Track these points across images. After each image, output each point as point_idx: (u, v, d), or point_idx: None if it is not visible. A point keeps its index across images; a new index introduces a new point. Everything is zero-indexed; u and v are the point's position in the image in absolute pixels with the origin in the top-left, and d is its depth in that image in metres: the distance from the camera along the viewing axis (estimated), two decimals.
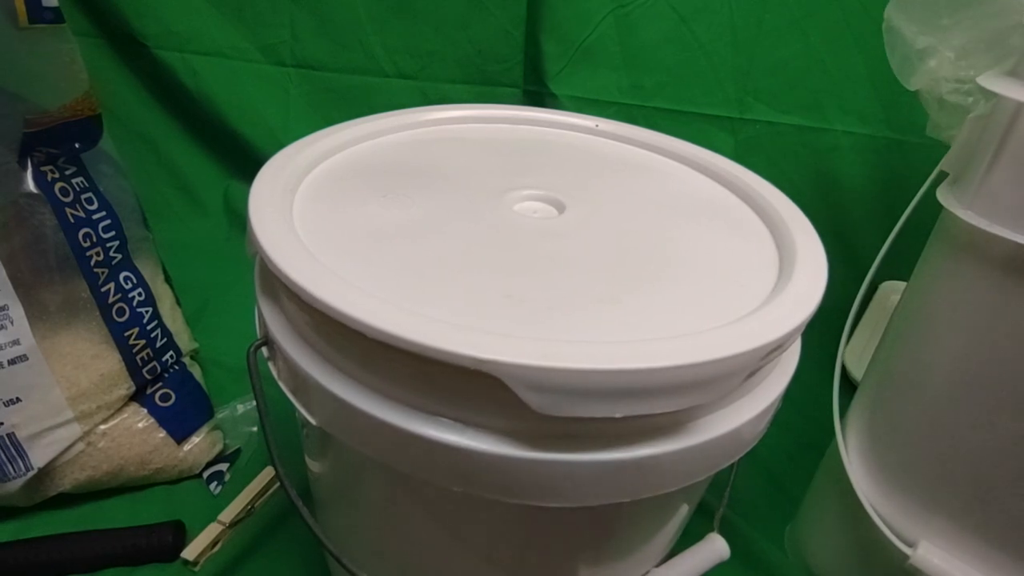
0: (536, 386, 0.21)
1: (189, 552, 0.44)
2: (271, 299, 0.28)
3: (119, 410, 0.47)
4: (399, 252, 0.27)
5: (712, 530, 0.35)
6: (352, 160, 0.35)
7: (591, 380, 0.21)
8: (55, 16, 0.40)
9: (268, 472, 0.50)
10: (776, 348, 0.24)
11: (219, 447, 0.52)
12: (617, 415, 0.21)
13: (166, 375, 0.50)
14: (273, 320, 0.27)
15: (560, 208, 0.33)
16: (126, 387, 0.47)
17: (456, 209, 0.31)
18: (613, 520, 0.28)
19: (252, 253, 0.27)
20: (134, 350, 0.47)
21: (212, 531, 0.45)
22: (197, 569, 0.44)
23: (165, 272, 0.52)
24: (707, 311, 0.25)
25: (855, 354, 0.64)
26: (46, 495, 0.46)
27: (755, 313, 0.24)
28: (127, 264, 0.47)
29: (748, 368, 0.23)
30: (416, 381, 0.23)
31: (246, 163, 0.81)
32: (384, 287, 0.25)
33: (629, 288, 0.26)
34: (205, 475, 0.50)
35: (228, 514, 0.46)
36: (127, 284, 0.47)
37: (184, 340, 0.52)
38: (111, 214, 0.45)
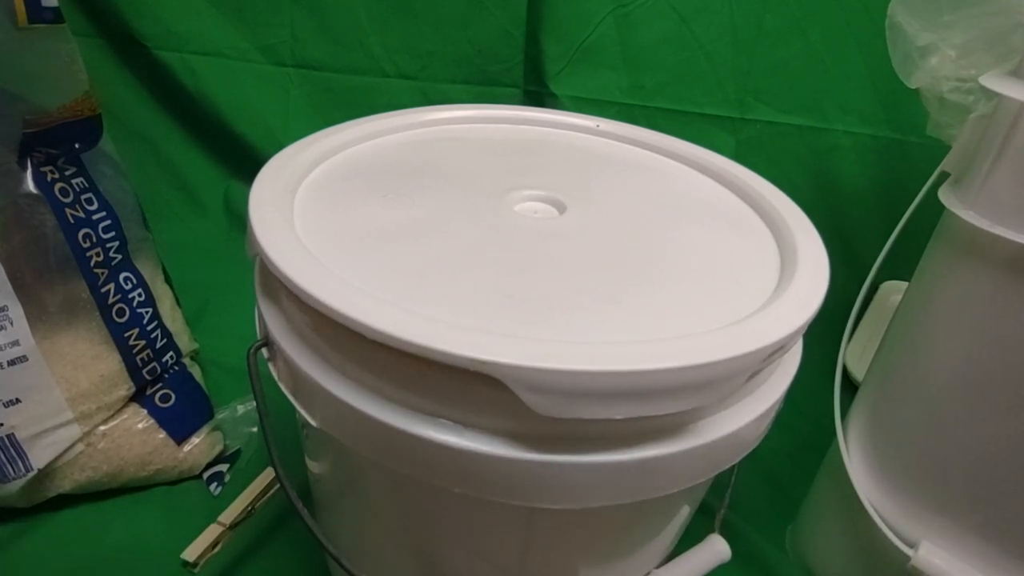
0: (537, 387, 0.20)
1: (189, 553, 0.43)
2: (271, 300, 0.27)
3: (119, 411, 0.47)
4: (399, 252, 0.27)
5: (713, 531, 0.35)
6: (352, 160, 0.35)
7: (592, 381, 0.21)
8: (55, 16, 0.39)
9: (268, 473, 0.50)
10: (778, 349, 0.24)
11: (219, 448, 0.52)
12: (618, 416, 0.21)
13: (166, 376, 0.50)
14: (273, 321, 0.27)
15: (561, 208, 0.32)
16: (126, 388, 0.47)
17: (457, 209, 0.31)
18: (614, 522, 0.28)
19: (252, 254, 0.27)
20: (134, 351, 0.47)
21: (212, 532, 0.45)
22: (197, 570, 0.43)
23: (165, 272, 0.52)
24: (708, 312, 0.25)
25: (856, 354, 0.64)
26: (46, 496, 0.46)
27: (757, 314, 0.24)
28: (127, 265, 0.47)
29: (750, 369, 0.23)
30: (416, 382, 0.22)
31: (246, 163, 0.81)
32: (384, 287, 0.25)
33: (630, 289, 0.26)
34: (205, 476, 0.50)
35: (228, 515, 0.46)
36: (127, 285, 0.47)
37: (184, 340, 0.52)
38: (111, 214, 0.45)
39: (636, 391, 0.21)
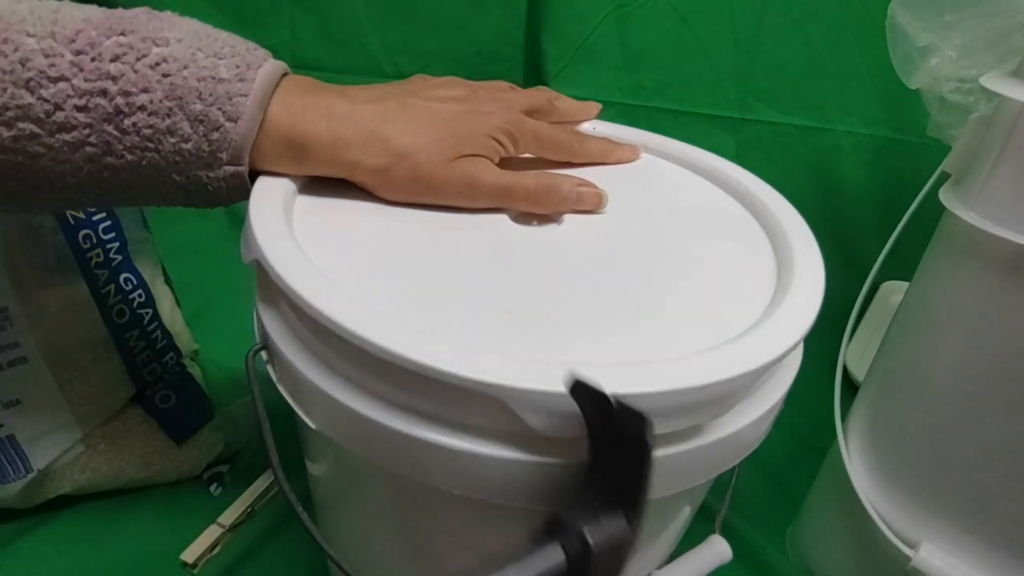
0: (540, 409, 0.21)
1: (189, 554, 0.43)
2: (270, 303, 0.27)
3: (119, 412, 0.47)
4: (401, 265, 0.27)
5: (714, 532, 0.35)
6: None
7: None
8: None
9: (269, 474, 0.50)
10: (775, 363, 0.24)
11: (219, 448, 0.52)
12: None
13: (166, 376, 0.50)
14: (272, 324, 0.27)
15: (559, 218, 0.32)
16: (126, 389, 0.47)
17: (456, 218, 0.31)
18: None
19: (249, 261, 0.27)
20: (134, 352, 0.47)
21: (212, 534, 0.45)
22: (196, 572, 0.43)
23: (165, 273, 0.52)
24: (706, 326, 0.25)
25: (856, 355, 0.64)
26: (46, 497, 0.46)
27: (753, 330, 0.24)
28: (127, 265, 0.47)
29: (747, 387, 0.23)
30: (416, 386, 0.22)
31: None
32: (387, 302, 0.25)
33: (629, 301, 0.26)
34: (205, 477, 0.50)
35: (228, 517, 0.46)
36: (127, 285, 0.47)
37: (184, 341, 0.52)
38: (111, 215, 0.45)
39: None
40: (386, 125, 0.30)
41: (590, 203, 0.33)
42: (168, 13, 0.28)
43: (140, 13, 0.27)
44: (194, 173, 0.28)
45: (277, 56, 0.31)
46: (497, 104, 0.34)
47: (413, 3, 0.73)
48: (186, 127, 0.27)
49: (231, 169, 0.28)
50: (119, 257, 0.46)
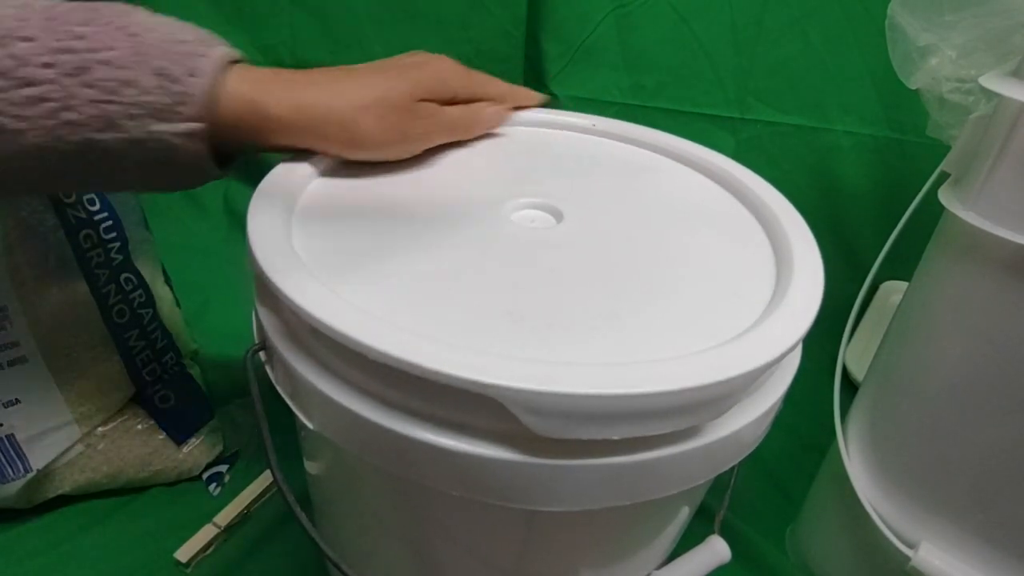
0: (537, 410, 0.21)
1: (182, 553, 0.43)
2: (268, 305, 0.27)
3: (119, 412, 0.47)
4: (400, 268, 0.27)
5: (713, 532, 0.35)
6: (350, 170, 0.35)
7: (593, 404, 0.21)
8: None
9: (267, 475, 0.50)
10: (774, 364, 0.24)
11: (219, 449, 0.52)
12: (615, 437, 0.22)
13: (166, 377, 0.50)
14: (270, 325, 0.27)
15: (558, 217, 0.32)
16: (126, 389, 0.47)
17: (455, 220, 0.31)
18: (613, 523, 0.28)
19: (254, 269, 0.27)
20: (134, 352, 0.47)
21: (207, 533, 0.45)
22: (189, 571, 0.43)
23: (165, 273, 0.52)
24: (705, 327, 0.25)
25: (856, 355, 0.64)
26: (45, 497, 0.46)
27: (753, 330, 0.24)
28: (128, 265, 0.47)
29: (745, 388, 0.23)
30: (414, 387, 0.22)
31: (246, 164, 0.81)
32: (385, 304, 0.25)
33: (628, 302, 0.26)
34: (205, 477, 0.50)
35: (223, 517, 0.46)
36: (128, 285, 0.47)
37: (184, 341, 0.52)
38: (112, 215, 0.45)
39: (635, 413, 0.21)
40: (334, 99, 0.32)
41: (498, 120, 0.40)
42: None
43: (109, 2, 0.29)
44: (153, 129, 0.28)
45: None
46: (426, 56, 0.37)
47: (413, 3, 0.73)
48: (147, 80, 0.27)
49: (191, 126, 0.28)
50: (120, 257, 0.46)
